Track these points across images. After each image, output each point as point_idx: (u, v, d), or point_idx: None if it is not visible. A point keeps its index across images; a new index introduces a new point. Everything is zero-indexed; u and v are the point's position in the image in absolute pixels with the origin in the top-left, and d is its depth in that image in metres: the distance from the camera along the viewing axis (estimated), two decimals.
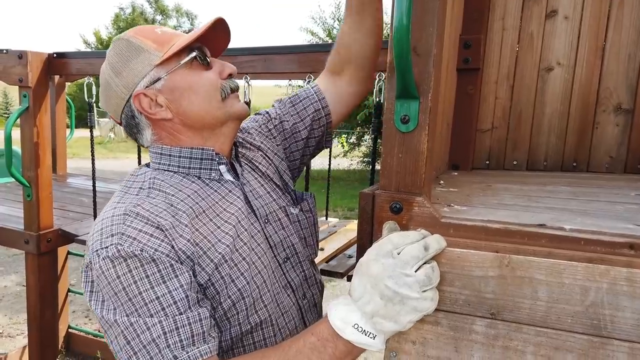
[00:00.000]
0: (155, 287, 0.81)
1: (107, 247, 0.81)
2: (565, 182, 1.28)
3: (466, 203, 0.98)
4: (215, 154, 1.00)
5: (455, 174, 1.47)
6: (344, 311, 0.77)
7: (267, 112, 1.22)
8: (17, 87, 2.02)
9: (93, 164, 2.29)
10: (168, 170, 0.97)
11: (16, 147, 2.07)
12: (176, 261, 0.84)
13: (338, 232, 2.37)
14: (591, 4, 1.42)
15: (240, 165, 1.07)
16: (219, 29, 1.02)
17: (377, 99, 1.63)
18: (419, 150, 0.86)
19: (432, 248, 0.72)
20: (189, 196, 0.93)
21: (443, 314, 0.73)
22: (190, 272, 0.86)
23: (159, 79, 0.94)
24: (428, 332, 0.74)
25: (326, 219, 2.67)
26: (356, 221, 2.75)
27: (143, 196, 0.91)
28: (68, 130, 3.64)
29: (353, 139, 12.62)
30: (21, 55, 1.98)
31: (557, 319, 0.68)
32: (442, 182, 1.25)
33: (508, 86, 1.52)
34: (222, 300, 0.91)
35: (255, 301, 0.95)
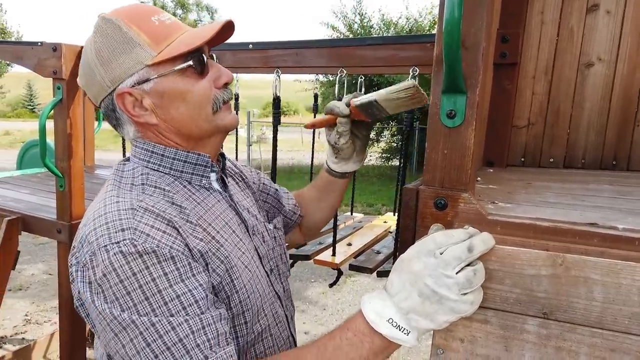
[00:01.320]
0: (174, 286, 0.75)
1: (118, 242, 0.74)
2: (606, 180, 1.25)
3: (510, 200, 0.96)
4: (211, 161, 0.94)
5: (491, 170, 1.44)
6: (380, 305, 0.75)
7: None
8: (51, 79, 2.06)
9: (124, 155, 2.32)
10: (157, 171, 0.90)
11: (48, 139, 2.10)
12: (192, 259, 0.80)
13: (364, 227, 2.36)
14: None
15: (226, 177, 1.02)
16: (224, 27, 0.92)
17: None
18: (466, 146, 0.84)
19: (477, 249, 0.70)
20: (186, 198, 0.89)
21: (493, 312, 0.72)
22: (206, 272, 0.82)
23: (148, 79, 0.85)
24: (477, 330, 0.73)
25: (351, 214, 2.66)
26: (380, 217, 2.73)
27: (138, 192, 0.84)
28: (96, 123, 3.70)
29: (372, 135, 12.57)
30: (55, 48, 2.01)
31: (613, 320, 0.67)
32: (479, 178, 1.24)
33: (546, 81, 1.49)
34: (232, 305, 0.87)
35: (259, 309, 0.93)
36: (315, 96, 2.31)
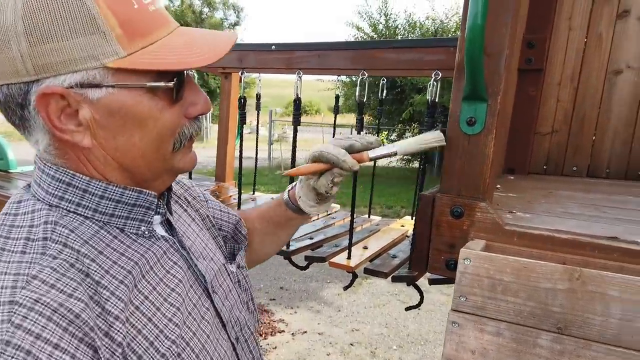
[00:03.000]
0: None
1: None
2: (632, 192, 1.21)
3: (529, 210, 0.95)
4: (155, 200, 0.68)
5: (512, 178, 1.42)
6: None
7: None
8: None
9: None
10: (75, 213, 0.62)
11: None
12: None
13: (381, 230, 2.35)
14: None
15: (171, 213, 0.75)
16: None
17: (431, 98, 1.60)
18: (485, 154, 0.83)
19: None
20: (115, 262, 0.61)
21: (506, 325, 0.71)
22: None
23: (99, 85, 0.58)
24: (489, 342, 0.72)
25: (369, 216, 2.65)
26: (399, 220, 2.71)
27: (34, 257, 0.56)
28: None
29: (394, 136, 12.49)
30: None
31: (630, 338, 0.65)
32: (498, 186, 1.22)
33: (572, 88, 1.45)
34: None
35: None
36: (337, 97, 2.31)
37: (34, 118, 0.59)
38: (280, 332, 3.88)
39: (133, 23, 0.59)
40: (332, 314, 4.30)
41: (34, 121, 0.60)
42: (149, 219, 0.67)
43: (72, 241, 0.59)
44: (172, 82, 0.61)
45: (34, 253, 0.56)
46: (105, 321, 0.56)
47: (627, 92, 1.40)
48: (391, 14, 11.99)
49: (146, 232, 0.67)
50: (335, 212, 2.58)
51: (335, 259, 1.85)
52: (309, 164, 0.85)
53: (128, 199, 0.65)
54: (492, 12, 0.76)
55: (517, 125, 1.46)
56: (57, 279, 0.54)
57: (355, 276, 1.90)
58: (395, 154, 0.85)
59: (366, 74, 1.65)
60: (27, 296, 0.51)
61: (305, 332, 3.96)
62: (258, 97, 2.06)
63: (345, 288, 1.95)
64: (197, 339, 0.66)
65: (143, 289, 0.63)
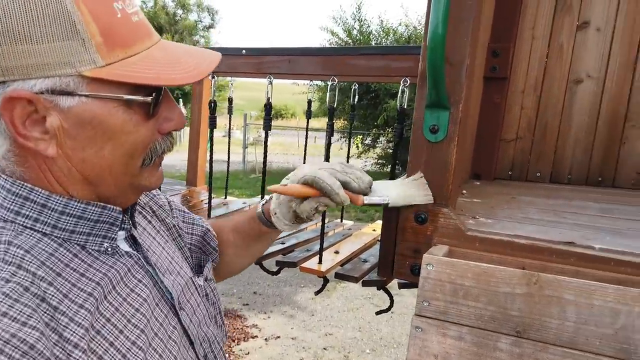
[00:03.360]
0: None
1: None
2: (591, 197, 1.25)
3: (491, 215, 0.97)
4: (119, 216, 0.65)
5: (478, 183, 1.45)
6: None
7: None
8: None
9: None
10: (32, 229, 0.58)
11: None
12: None
13: (353, 234, 2.36)
14: (625, 16, 1.39)
15: (135, 227, 0.72)
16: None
17: (400, 104, 1.62)
18: (447, 161, 0.85)
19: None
20: (74, 285, 0.57)
21: (467, 329, 0.72)
22: None
23: (71, 93, 0.55)
24: (451, 346, 0.73)
25: (341, 220, 2.67)
26: (370, 225, 2.74)
27: None
28: None
29: (368, 140, 12.59)
30: None
31: (585, 340, 0.67)
32: (464, 191, 1.24)
33: (535, 96, 1.49)
34: None
35: None
36: (309, 102, 2.32)
37: None
38: (253, 338, 3.86)
39: (115, 32, 0.56)
40: (306, 318, 4.29)
41: None
42: (113, 235, 0.64)
43: (28, 263, 0.54)
44: (150, 97, 0.59)
45: None
46: (63, 349, 0.52)
47: (587, 101, 1.44)
48: (365, 19, 12.11)
49: (109, 249, 0.64)
50: None
51: (306, 264, 1.86)
52: (297, 184, 0.80)
53: (90, 215, 0.61)
54: (452, 22, 0.77)
55: (483, 132, 1.49)
56: (10, 305, 0.49)
57: (326, 281, 1.91)
58: (388, 204, 0.83)
59: (336, 80, 1.66)
60: None
61: (279, 337, 3.94)
62: (230, 100, 2.05)
63: (317, 293, 1.96)
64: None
65: (105, 310, 0.59)
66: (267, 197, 0.93)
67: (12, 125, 0.54)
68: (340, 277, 1.75)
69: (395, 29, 11.90)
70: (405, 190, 0.86)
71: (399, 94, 1.59)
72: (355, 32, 12.08)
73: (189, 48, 0.65)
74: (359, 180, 0.81)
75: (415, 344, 0.75)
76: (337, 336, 4.03)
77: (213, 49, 1.96)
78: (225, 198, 2.75)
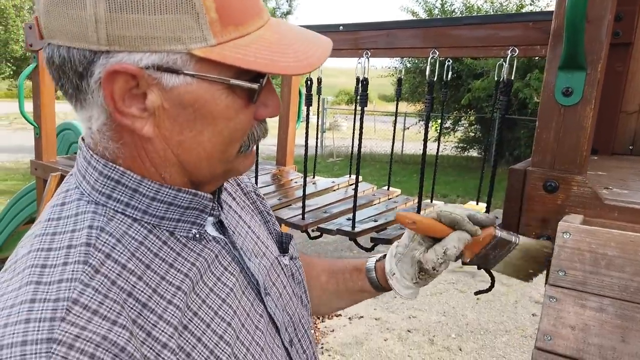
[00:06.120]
0: None
1: None
2: None
3: (624, 187, 0.90)
4: (209, 203, 0.62)
5: (595, 158, 1.35)
6: None
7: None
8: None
9: None
10: (123, 214, 0.57)
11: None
12: None
13: None
14: None
15: (222, 208, 0.69)
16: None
17: (506, 77, 1.54)
18: (582, 126, 0.80)
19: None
20: (163, 278, 0.56)
21: (610, 300, 0.68)
22: None
23: (178, 71, 0.51)
24: (590, 318, 0.69)
25: (431, 201, 2.62)
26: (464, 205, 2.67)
27: (76, 266, 0.50)
28: None
29: (448, 124, 12.18)
30: (31, 27, 2.46)
31: None
32: None
33: None
34: None
35: None
36: (399, 80, 2.27)
37: (94, 93, 0.52)
38: (337, 316, 3.92)
39: (230, 8, 0.51)
40: (388, 300, 4.29)
41: (92, 96, 0.52)
42: (202, 222, 0.62)
43: (118, 253, 0.53)
44: (258, 84, 0.54)
45: (75, 263, 0.50)
46: (151, 348, 0.50)
47: None
48: None
49: (197, 235, 0.61)
50: (397, 196, 2.56)
51: None
52: (426, 218, 0.76)
53: (181, 202, 0.58)
54: None
55: (602, 102, 1.38)
56: (100, 302, 0.48)
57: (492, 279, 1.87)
58: (517, 245, 0.78)
59: (437, 53, 1.61)
60: (66, 331, 0.45)
61: (362, 317, 3.97)
62: (319, 80, 2.06)
63: (483, 291, 1.90)
64: (251, 355, 0.61)
65: (192, 304, 0.56)
66: (378, 254, 0.90)
67: (112, 100, 0.51)
68: None
69: (480, 6, 11.34)
70: (534, 246, 0.79)
71: (505, 64, 1.52)
72: (436, 11, 11.66)
73: (301, 31, 0.59)
74: (480, 214, 0.78)
75: (549, 314, 0.72)
76: (420, 319, 3.99)
77: (309, 26, 1.98)
78: (314, 177, 2.80)
